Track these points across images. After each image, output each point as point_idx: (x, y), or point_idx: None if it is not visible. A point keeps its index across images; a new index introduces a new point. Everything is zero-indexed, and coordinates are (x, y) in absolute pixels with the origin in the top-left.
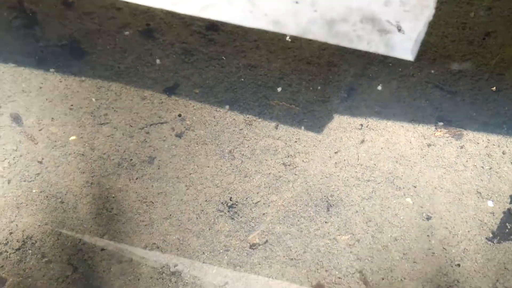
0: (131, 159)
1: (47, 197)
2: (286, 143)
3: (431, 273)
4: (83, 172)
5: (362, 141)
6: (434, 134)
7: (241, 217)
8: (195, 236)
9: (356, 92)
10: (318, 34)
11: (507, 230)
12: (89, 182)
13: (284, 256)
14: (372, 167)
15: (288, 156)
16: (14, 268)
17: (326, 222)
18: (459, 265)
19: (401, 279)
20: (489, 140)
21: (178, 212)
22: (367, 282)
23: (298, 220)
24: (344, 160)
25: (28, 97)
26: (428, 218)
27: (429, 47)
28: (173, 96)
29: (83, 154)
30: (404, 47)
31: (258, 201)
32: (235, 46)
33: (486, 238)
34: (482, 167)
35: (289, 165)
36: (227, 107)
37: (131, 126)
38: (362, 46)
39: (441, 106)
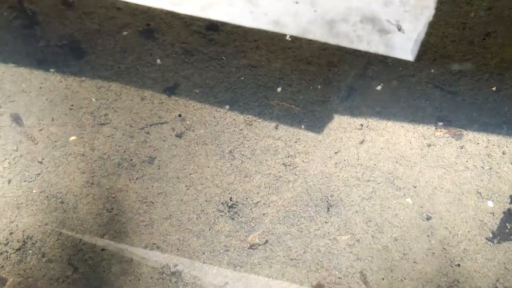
0: (131, 159)
1: (47, 197)
2: (286, 143)
3: (431, 273)
4: (83, 172)
5: (362, 141)
6: (434, 134)
7: (241, 217)
8: (195, 236)
9: (356, 92)
10: (318, 34)
11: (507, 230)
12: (89, 182)
13: (284, 256)
14: (372, 167)
15: (288, 156)
16: (14, 268)
17: (326, 222)
18: (459, 265)
19: (401, 279)
20: (489, 140)
21: (178, 212)
22: (367, 282)
23: (298, 220)
24: (344, 160)
25: (28, 97)
26: (428, 218)
27: (429, 47)
28: (173, 96)
29: (83, 154)
30: (404, 47)
31: (258, 201)
32: (235, 46)
33: (486, 238)
34: (482, 167)
35: (289, 165)
36: (227, 107)
37: (131, 126)
38: (362, 46)
39: (441, 106)
